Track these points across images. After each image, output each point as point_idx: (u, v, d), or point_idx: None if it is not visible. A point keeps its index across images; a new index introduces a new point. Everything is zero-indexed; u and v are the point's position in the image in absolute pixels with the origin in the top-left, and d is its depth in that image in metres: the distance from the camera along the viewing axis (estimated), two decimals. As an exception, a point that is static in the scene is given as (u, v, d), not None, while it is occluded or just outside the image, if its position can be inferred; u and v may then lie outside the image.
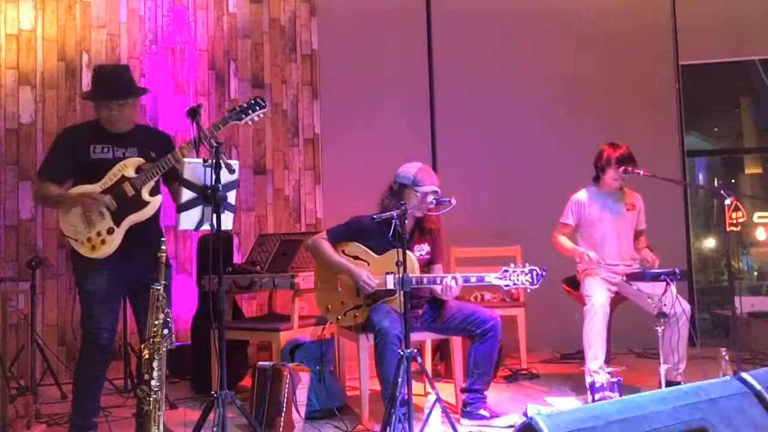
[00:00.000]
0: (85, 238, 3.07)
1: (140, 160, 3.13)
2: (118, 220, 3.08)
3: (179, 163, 2.98)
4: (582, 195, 4.11)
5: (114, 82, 3.15)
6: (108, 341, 3.09)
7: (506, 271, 3.17)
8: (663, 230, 4.37)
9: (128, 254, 3.11)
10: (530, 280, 3.12)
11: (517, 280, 3.13)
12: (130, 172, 3.10)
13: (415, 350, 2.95)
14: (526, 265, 3.16)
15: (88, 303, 3.09)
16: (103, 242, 3.06)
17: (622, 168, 3.90)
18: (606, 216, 4.03)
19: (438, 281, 3.37)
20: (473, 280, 3.32)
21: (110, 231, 3.07)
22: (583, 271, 4.00)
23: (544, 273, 3.14)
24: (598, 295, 3.79)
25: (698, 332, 5.10)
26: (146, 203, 3.11)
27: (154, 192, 3.15)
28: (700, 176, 6.67)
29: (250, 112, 3.02)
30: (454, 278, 3.30)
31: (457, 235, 3.79)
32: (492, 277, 3.21)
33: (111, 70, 3.39)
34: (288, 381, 3.23)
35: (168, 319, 2.66)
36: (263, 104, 3.04)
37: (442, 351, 4.60)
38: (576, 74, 5.73)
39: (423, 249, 3.60)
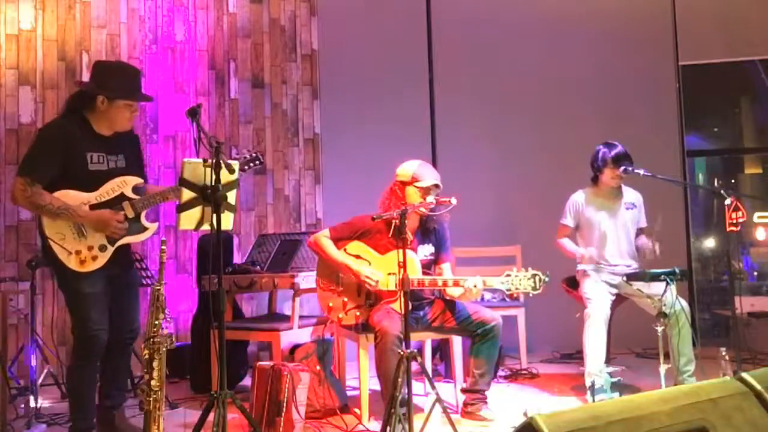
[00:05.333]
0: (74, 250, 3.00)
1: (138, 180, 3.14)
2: (113, 239, 3.05)
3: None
4: (578, 196, 4.11)
5: (139, 83, 3.16)
6: (104, 342, 3.10)
7: (509, 275, 3.15)
8: (663, 230, 4.36)
9: (114, 260, 3.11)
10: (533, 284, 3.10)
11: (520, 285, 3.12)
12: (129, 192, 3.09)
13: (416, 350, 2.95)
14: (529, 269, 3.14)
15: (86, 306, 3.04)
16: (94, 258, 3.02)
17: (622, 168, 3.90)
18: (603, 216, 4.03)
19: (439, 284, 3.38)
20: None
21: (103, 248, 3.03)
22: (582, 273, 3.99)
23: (547, 279, 3.12)
24: (598, 299, 3.79)
25: (698, 332, 5.10)
26: (145, 228, 3.13)
27: (149, 217, 3.18)
28: (700, 176, 6.67)
29: (246, 168, 3.20)
30: (476, 284, 3.24)
31: (457, 235, 3.79)
32: (494, 281, 3.20)
33: (132, 67, 3.36)
34: (288, 381, 3.23)
35: (167, 319, 2.67)
36: (260, 161, 3.30)
37: (442, 351, 4.60)
38: (576, 74, 5.73)
39: (427, 250, 3.60)
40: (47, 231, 3.01)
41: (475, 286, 3.24)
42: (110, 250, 3.06)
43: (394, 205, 3.40)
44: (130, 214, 3.07)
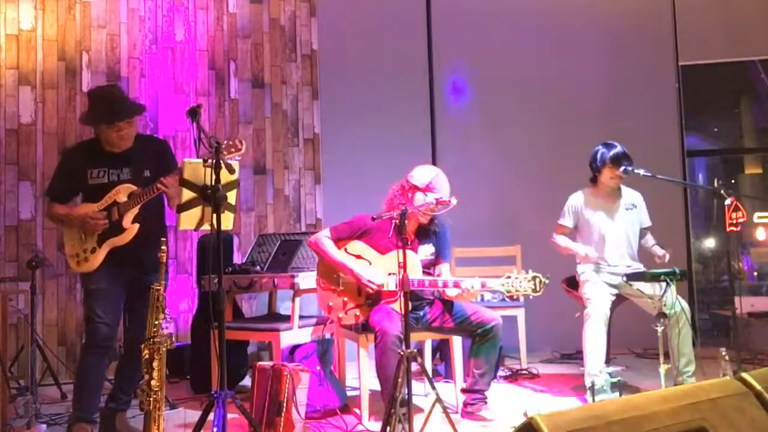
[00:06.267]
0: (74, 253, 3.30)
1: (132, 187, 3.26)
2: (100, 241, 3.26)
3: (166, 187, 3.11)
4: (578, 196, 4.10)
5: (118, 101, 3.26)
6: (107, 335, 3.23)
7: (509, 276, 3.15)
8: (663, 230, 4.36)
9: (123, 259, 3.27)
10: (533, 286, 3.09)
11: (520, 286, 3.11)
12: (122, 198, 3.25)
13: (416, 350, 2.95)
14: (530, 271, 3.13)
15: (90, 300, 3.28)
16: (86, 259, 3.27)
17: (622, 168, 3.89)
18: (603, 217, 4.02)
19: (439, 284, 3.37)
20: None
21: (93, 250, 3.27)
22: (582, 280, 3.98)
23: (547, 281, 3.11)
24: (598, 299, 3.79)
25: (698, 332, 5.10)
26: (123, 230, 3.25)
27: (136, 219, 3.26)
28: (700, 176, 6.67)
29: (225, 153, 2.81)
30: (473, 284, 3.24)
31: (457, 235, 3.78)
32: (495, 283, 3.19)
33: (106, 91, 3.44)
34: (288, 381, 3.23)
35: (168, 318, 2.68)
36: (240, 147, 2.83)
37: (442, 351, 4.60)
38: (576, 74, 5.73)
39: (427, 250, 3.59)
40: (65, 238, 3.37)
41: (472, 287, 3.24)
42: (99, 251, 3.25)
43: (400, 205, 3.39)
44: (115, 218, 3.25)
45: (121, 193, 3.25)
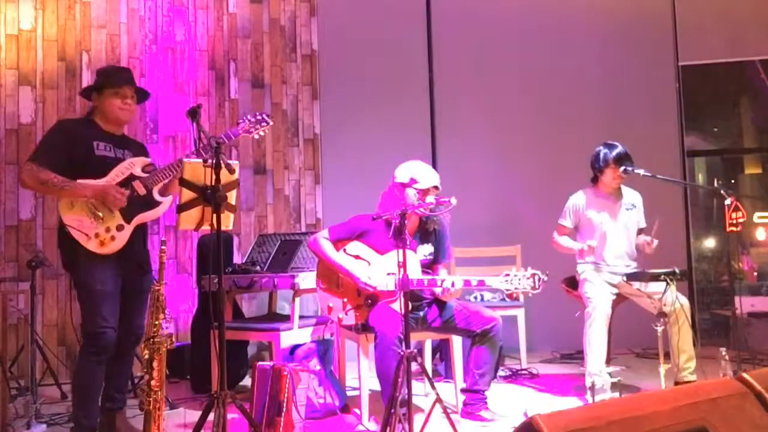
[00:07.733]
0: (93, 234, 3.03)
1: (147, 160, 3.18)
2: (128, 217, 3.08)
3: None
4: (579, 197, 4.10)
5: (126, 71, 3.26)
6: (113, 340, 3.08)
7: (508, 274, 3.15)
8: (663, 230, 4.36)
9: (131, 254, 3.16)
10: (532, 284, 3.09)
11: (519, 284, 3.11)
12: (138, 171, 3.13)
13: (415, 350, 2.95)
14: (528, 269, 3.13)
15: (96, 302, 3.05)
16: (112, 238, 3.05)
17: (622, 168, 3.90)
18: (604, 217, 4.03)
19: (438, 283, 3.37)
20: (474, 283, 3.29)
21: (120, 228, 3.06)
22: (582, 279, 3.98)
23: (545, 278, 3.11)
24: (598, 298, 3.79)
25: (698, 332, 5.10)
26: (158, 203, 3.14)
27: (163, 192, 3.18)
28: (700, 176, 6.67)
29: (258, 126, 3.14)
30: (453, 282, 3.27)
31: (457, 235, 3.79)
32: (494, 281, 3.19)
33: (117, 66, 3.47)
34: (288, 381, 3.23)
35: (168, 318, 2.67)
36: (269, 121, 3.16)
37: (442, 351, 4.61)
38: (576, 74, 5.73)
39: (426, 250, 3.59)
40: (65, 218, 3.05)
41: (452, 285, 3.26)
42: (128, 228, 3.08)
43: (393, 207, 3.39)
44: (141, 192, 3.10)
45: (137, 165, 3.12)
